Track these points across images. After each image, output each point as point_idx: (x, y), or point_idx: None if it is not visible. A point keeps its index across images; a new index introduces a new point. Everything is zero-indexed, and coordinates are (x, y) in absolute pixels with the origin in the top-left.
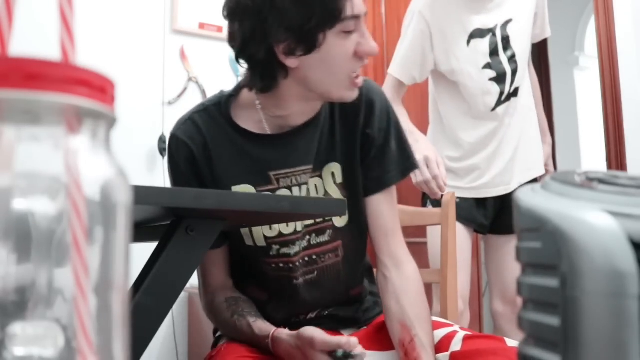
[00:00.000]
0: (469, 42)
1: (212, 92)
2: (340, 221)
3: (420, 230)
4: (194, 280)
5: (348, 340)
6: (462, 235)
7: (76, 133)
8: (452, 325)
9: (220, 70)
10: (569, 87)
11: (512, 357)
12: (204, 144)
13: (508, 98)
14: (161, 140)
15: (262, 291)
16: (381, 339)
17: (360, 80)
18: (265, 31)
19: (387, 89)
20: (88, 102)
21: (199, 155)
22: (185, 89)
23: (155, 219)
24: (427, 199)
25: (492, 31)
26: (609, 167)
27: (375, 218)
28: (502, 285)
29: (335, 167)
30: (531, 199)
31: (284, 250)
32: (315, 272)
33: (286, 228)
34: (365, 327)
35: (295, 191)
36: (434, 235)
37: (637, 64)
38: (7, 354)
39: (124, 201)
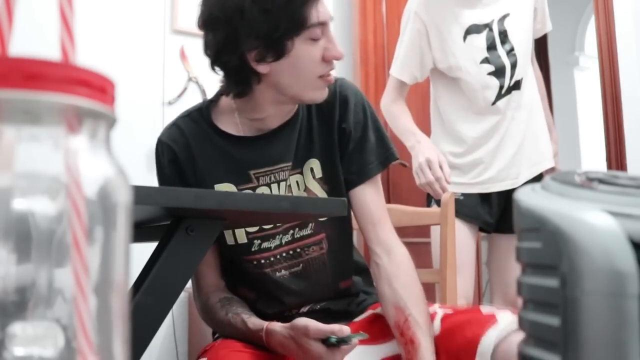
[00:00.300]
0: (465, 38)
1: (212, 92)
2: None
3: (421, 230)
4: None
5: (341, 327)
6: (466, 235)
7: (76, 133)
8: (431, 305)
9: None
10: (569, 87)
11: (485, 322)
12: (187, 145)
13: (509, 91)
14: None
15: (249, 290)
16: (374, 332)
17: (331, 78)
18: (236, 40)
19: (390, 90)
20: (88, 102)
21: (182, 156)
22: (185, 89)
23: (155, 219)
24: (432, 199)
25: (488, 26)
26: (609, 167)
27: (361, 208)
28: (504, 286)
29: (314, 163)
30: (531, 199)
31: (265, 244)
32: (301, 265)
33: None
34: (357, 320)
35: (274, 188)
36: (437, 235)
37: (637, 64)
38: (7, 354)
39: (123, 201)
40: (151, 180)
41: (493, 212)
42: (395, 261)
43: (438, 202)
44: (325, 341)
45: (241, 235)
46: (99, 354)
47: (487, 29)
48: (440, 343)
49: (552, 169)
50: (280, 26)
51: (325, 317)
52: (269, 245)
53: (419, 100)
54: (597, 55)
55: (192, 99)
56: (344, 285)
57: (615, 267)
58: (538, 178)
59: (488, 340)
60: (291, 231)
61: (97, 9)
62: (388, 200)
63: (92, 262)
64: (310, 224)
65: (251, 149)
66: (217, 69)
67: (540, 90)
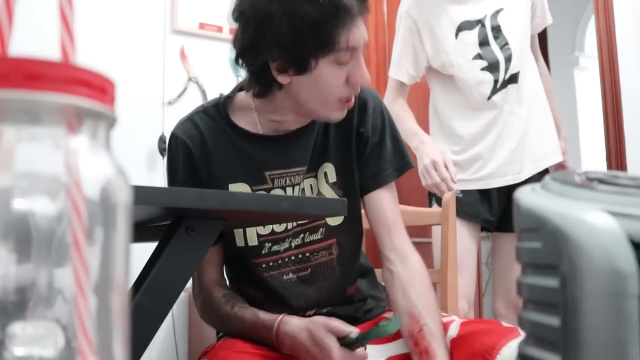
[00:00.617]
0: (457, 34)
1: (212, 92)
2: (334, 220)
3: (422, 230)
4: None
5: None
6: (467, 235)
7: (76, 133)
8: (449, 316)
9: (220, 70)
10: (569, 87)
11: (507, 333)
12: (202, 142)
13: (504, 85)
14: (161, 140)
15: (257, 290)
16: None
17: (351, 103)
18: (261, 46)
19: (390, 92)
20: (88, 102)
21: (197, 153)
22: (185, 89)
23: (155, 219)
24: (433, 198)
25: (480, 22)
26: (609, 167)
27: (377, 213)
28: (506, 287)
29: (329, 167)
30: (531, 199)
31: (275, 247)
32: (309, 270)
33: (279, 226)
34: (364, 323)
35: (289, 191)
36: (438, 235)
37: (637, 64)
38: (7, 354)
39: (124, 201)
40: (151, 180)
41: (493, 210)
42: (410, 269)
43: (439, 202)
44: (342, 340)
45: (252, 238)
46: (99, 354)
47: (480, 25)
48: (456, 345)
49: (560, 165)
50: (307, 44)
51: None
52: (278, 249)
53: (419, 100)
54: (597, 55)
55: (192, 99)
56: (350, 292)
57: (615, 267)
58: (544, 174)
59: (509, 351)
60: (302, 235)
61: (97, 9)
62: None
63: (92, 262)
64: (321, 229)
65: (268, 148)
66: (241, 62)
67: (546, 87)
